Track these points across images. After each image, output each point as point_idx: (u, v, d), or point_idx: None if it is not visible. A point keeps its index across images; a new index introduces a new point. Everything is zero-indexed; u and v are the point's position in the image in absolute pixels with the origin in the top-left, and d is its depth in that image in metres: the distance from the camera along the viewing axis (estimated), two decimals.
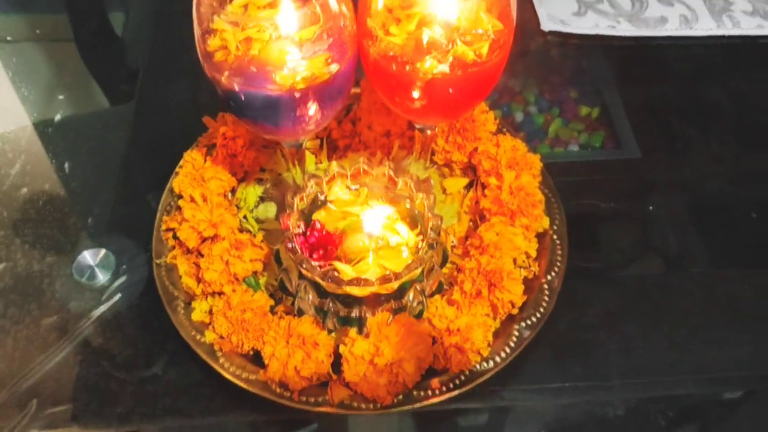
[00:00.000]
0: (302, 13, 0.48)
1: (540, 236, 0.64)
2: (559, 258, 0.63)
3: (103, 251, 0.66)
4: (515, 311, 0.59)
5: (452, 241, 0.65)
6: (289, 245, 0.54)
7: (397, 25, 0.51)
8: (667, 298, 0.64)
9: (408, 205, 0.59)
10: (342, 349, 0.55)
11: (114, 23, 0.95)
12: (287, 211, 0.56)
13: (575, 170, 0.76)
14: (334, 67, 0.50)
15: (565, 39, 0.84)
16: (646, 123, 0.79)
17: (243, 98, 0.51)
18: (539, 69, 0.86)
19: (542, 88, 0.83)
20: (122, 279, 0.64)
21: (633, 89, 0.82)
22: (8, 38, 0.90)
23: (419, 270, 0.54)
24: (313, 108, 0.52)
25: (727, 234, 0.70)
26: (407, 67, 0.50)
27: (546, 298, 0.61)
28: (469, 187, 0.69)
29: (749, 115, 0.80)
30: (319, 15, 0.49)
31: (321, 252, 0.56)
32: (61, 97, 0.80)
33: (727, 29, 0.82)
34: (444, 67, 0.50)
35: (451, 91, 0.52)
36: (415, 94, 0.52)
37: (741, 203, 0.72)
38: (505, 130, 0.71)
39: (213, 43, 0.50)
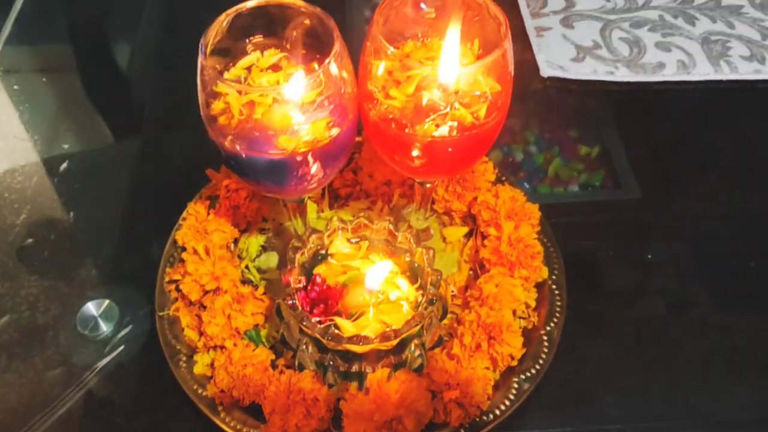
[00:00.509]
0: (306, 81, 0.49)
1: (539, 285, 0.65)
2: (558, 308, 0.64)
3: (106, 302, 0.66)
4: (515, 363, 0.60)
5: (452, 291, 0.66)
6: (290, 302, 0.54)
7: (397, 87, 0.52)
8: (666, 347, 0.65)
9: (408, 259, 0.60)
10: (342, 404, 0.55)
11: (119, 59, 0.96)
12: (288, 267, 0.57)
13: (575, 211, 0.77)
14: (335, 131, 0.51)
15: (564, 84, 0.85)
16: (646, 163, 0.80)
17: (246, 161, 0.51)
18: (539, 110, 0.87)
19: (542, 128, 0.84)
20: (125, 330, 0.65)
21: (632, 130, 0.83)
22: (14, 72, 0.92)
23: (419, 327, 0.54)
24: (314, 168, 0.53)
25: (727, 277, 0.70)
26: (407, 130, 0.51)
27: (545, 350, 0.61)
28: (469, 235, 0.69)
29: (748, 159, 0.80)
30: (322, 80, 0.50)
31: (322, 307, 0.56)
32: (66, 146, 0.81)
33: (725, 74, 0.83)
34: (443, 130, 0.51)
35: (449, 151, 0.53)
36: (415, 154, 0.53)
37: (740, 245, 0.72)
38: (504, 178, 0.72)
39: (216, 106, 0.51)
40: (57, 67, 0.96)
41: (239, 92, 0.49)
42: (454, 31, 0.51)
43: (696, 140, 0.82)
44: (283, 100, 0.50)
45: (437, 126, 0.51)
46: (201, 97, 0.51)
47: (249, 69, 0.55)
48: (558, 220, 0.71)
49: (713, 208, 0.76)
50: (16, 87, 0.89)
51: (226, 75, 0.54)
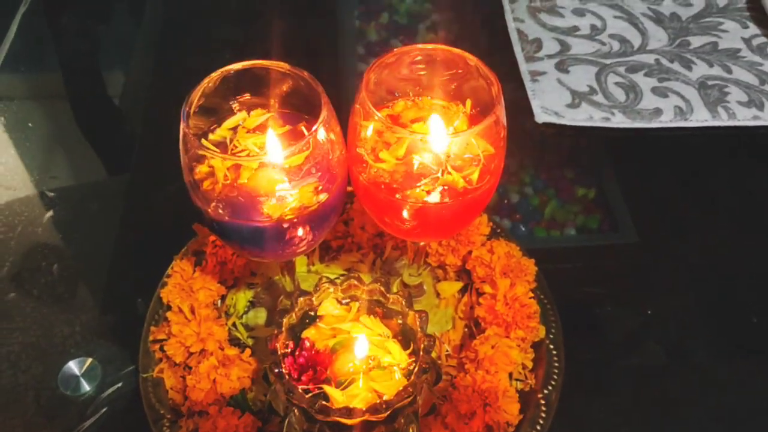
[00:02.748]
0: (291, 150, 0.47)
1: (536, 345, 0.63)
2: (555, 369, 0.62)
3: (89, 360, 0.64)
4: (512, 430, 0.58)
5: (447, 351, 0.64)
6: (276, 371, 0.52)
7: (387, 149, 0.50)
8: (667, 406, 0.63)
9: (400, 321, 0.58)
10: None
11: (110, 86, 0.95)
12: (275, 332, 0.55)
13: (572, 257, 0.75)
14: (324, 197, 0.49)
15: (559, 130, 0.84)
16: (643, 206, 0.79)
17: (230, 227, 0.50)
18: (534, 152, 0.85)
19: (538, 169, 0.83)
20: (108, 391, 0.63)
21: (629, 173, 0.82)
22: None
23: (411, 398, 0.52)
24: (303, 233, 0.51)
25: (728, 328, 0.68)
26: (397, 195, 0.50)
27: (543, 415, 0.59)
28: (464, 290, 0.68)
29: (747, 204, 0.79)
30: (310, 144, 0.48)
31: (310, 373, 0.54)
32: (51, 194, 0.79)
33: (723, 120, 0.82)
34: (434, 196, 0.49)
35: (441, 215, 0.52)
36: (406, 218, 0.52)
37: (741, 293, 0.71)
38: (499, 231, 0.70)
39: (201, 170, 0.49)
40: (47, 96, 0.95)
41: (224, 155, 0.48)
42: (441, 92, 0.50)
43: (694, 185, 0.81)
44: (270, 164, 0.48)
45: (428, 192, 0.50)
46: (184, 161, 0.50)
47: (235, 129, 0.53)
48: (554, 266, 0.69)
49: (711, 254, 0.75)
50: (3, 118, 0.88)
51: (211, 136, 0.52)
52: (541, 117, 0.83)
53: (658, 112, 0.83)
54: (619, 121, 0.82)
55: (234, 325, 0.65)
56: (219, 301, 0.66)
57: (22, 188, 0.80)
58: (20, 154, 0.84)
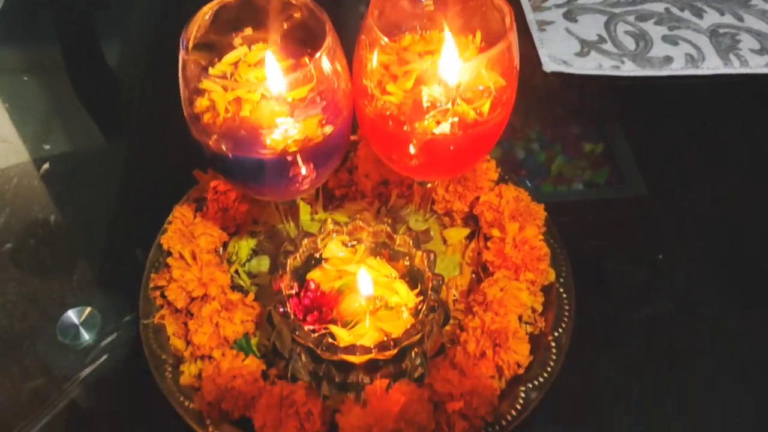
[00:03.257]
0: (294, 76, 0.46)
1: (546, 289, 0.62)
2: (566, 313, 0.61)
3: (88, 309, 0.63)
4: (521, 371, 0.56)
5: (454, 296, 0.63)
6: (281, 310, 0.51)
7: (394, 82, 0.49)
8: (678, 354, 0.62)
9: (407, 263, 0.57)
10: (338, 418, 0.52)
11: (108, 53, 0.93)
12: (279, 272, 0.53)
13: (580, 210, 0.74)
14: (329, 129, 0.48)
15: (567, 79, 0.82)
16: (651, 159, 0.77)
17: (232, 161, 0.48)
18: (541, 106, 0.84)
19: (544, 125, 0.81)
20: (108, 339, 0.62)
21: (637, 126, 0.80)
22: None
23: (419, 335, 0.51)
24: (306, 169, 0.50)
25: (738, 277, 0.67)
26: (405, 127, 0.48)
27: (553, 357, 0.58)
28: (471, 237, 0.66)
29: (758, 154, 0.77)
30: (313, 74, 0.46)
31: (315, 314, 0.53)
32: (47, 147, 0.77)
33: (735, 68, 0.80)
34: (444, 127, 0.48)
35: (451, 149, 0.50)
36: (414, 153, 0.50)
37: (751, 242, 0.70)
38: (507, 177, 0.69)
39: (200, 103, 0.48)
40: (43, 66, 0.92)
41: (225, 88, 0.46)
42: (453, 20, 0.48)
43: (703, 135, 0.79)
44: (272, 97, 0.47)
45: (438, 123, 0.48)
46: (183, 94, 0.48)
47: (236, 65, 0.51)
48: (562, 219, 0.68)
49: (721, 204, 0.73)
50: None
51: (211, 70, 0.50)
52: (549, 66, 0.81)
53: (668, 60, 0.81)
54: (629, 69, 0.80)
55: (237, 272, 0.64)
56: (221, 249, 0.64)
57: (18, 141, 0.78)
58: (18, 120, 0.81)
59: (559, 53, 0.82)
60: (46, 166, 0.75)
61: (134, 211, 0.72)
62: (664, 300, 0.66)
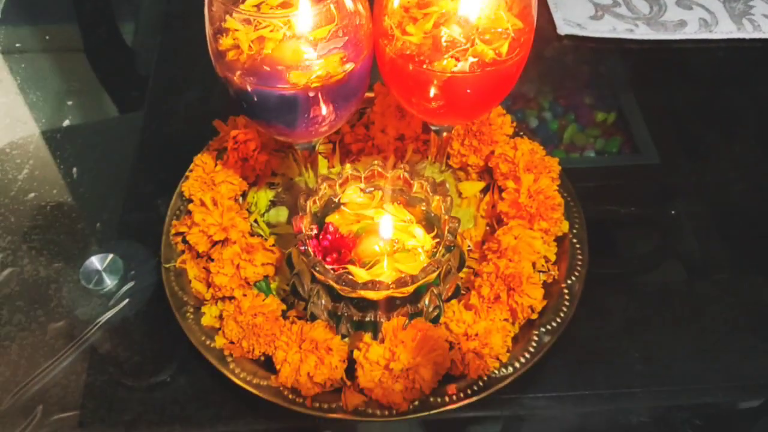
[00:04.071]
0: (317, 11, 0.47)
1: (559, 240, 0.63)
2: (579, 262, 0.62)
3: (110, 256, 0.64)
4: (535, 316, 0.58)
5: (468, 246, 0.64)
6: (302, 248, 0.52)
7: (414, 24, 0.50)
8: (690, 305, 0.63)
9: (424, 208, 0.58)
10: (356, 354, 0.53)
11: (124, 31, 0.94)
12: (300, 214, 0.54)
13: (592, 176, 0.74)
14: (349, 66, 0.49)
15: (581, 43, 0.83)
16: (664, 127, 0.77)
17: (256, 98, 0.49)
18: (554, 74, 0.84)
19: (557, 93, 0.82)
20: (130, 284, 0.63)
21: (650, 93, 0.81)
22: (18, 47, 0.89)
23: (436, 273, 0.52)
24: (326, 108, 0.51)
25: (749, 239, 0.68)
26: (424, 66, 0.49)
27: (566, 303, 0.59)
28: (485, 191, 0.67)
29: None
30: (334, 14, 0.47)
31: (334, 255, 0.54)
32: (70, 102, 0.79)
33: (748, 32, 0.81)
34: (463, 66, 0.49)
35: (469, 91, 0.51)
36: (433, 93, 0.51)
37: (763, 208, 0.70)
38: (522, 133, 0.70)
39: (225, 42, 0.49)
40: (61, 37, 0.94)
41: (248, 22, 0.47)
42: None
43: (717, 102, 0.80)
44: (294, 35, 0.48)
45: (457, 62, 0.49)
46: (208, 31, 0.49)
47: (258, 7, 0.52)
48: (575, 184, 0.68)
49: (734, 171, 0.74)
50: (18, 45, 0.87)
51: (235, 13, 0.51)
52: (563, 29, 0.82)
53: (682, 24, 0.82)
54: (643, 32, 0.81)
55: (256, 222, 0.65)
56: (240, 198, 0.65)
57: (42, 98, 0.80)
58: (41, 71, 0.83)
59: (573, 16, 0.82)
60: (67, 121, 0.76)
61: (155, 162, 0.73)
62: (677, 259, 0.67)
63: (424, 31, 0.50)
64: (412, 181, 0.57)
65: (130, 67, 0.90)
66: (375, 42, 0.51)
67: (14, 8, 0.93)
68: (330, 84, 0.49)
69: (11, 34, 0.90)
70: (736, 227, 0.69)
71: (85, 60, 0.89)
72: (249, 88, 0.49)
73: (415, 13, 0.50)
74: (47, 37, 0.90)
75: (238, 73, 0.49)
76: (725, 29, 0.81)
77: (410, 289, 0.51)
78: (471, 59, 0.49)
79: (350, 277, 0.51)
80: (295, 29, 0.48)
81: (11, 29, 0.91)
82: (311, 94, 0.49)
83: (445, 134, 0.61)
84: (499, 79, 0.51)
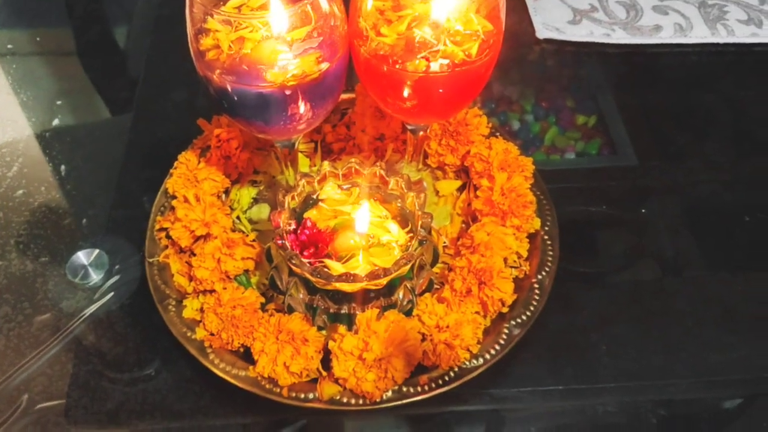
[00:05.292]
0: (293, 12, 0.49)
1: (531, 237, 0.65)
2: (550, 259, 0.63)
3: (96, 251, 0.66)
4: (505, 309, 0.59)
5: (444, 242, 0.65)
6: (280, 242, 0.54)
7: (388, 26, 0.52)
8: (659, 301, 0.64)
9: (399, 204, 0.60)
10: (331, 345, 0.55)
11: (116, 34, 0.96)
12: (278, 209, 0.56)
13: (571, 177, 0.76)
14: (325, 66, 0.51)
15: (560, 47, 0.85)
16: (642, 130, 0.79)
17: (235, 96, 0.51)
18: (535, 77, 0.86)
19: (538, 96, 0.84)
20: (115, 278, 0.65)
21: (629, 97, 0.83)
22: (10, 48, 0.91)
23: (408, 266, 0.54)
24: (303, 106, 0.53)
25: (720, 237, 0.70)
26: (397, 66, 0.51)
27: (536, 297, 0.61)
28: (462, 189, 0.69)
29: (743, 122, 0.80)
30: (311, 15, 0.49)
31: (312, 249, 0.56)
32: (59, 102, 0.81)
33: (722, 37, 0.83)
34: (434, 66, 0.51)
35: (441, 90, 0.53)
36: (406, 93, 0.53)
37: (734, 207, 0.72)
38: (497, 134, 0.71)
39: (206, 42, 0.51)
40: (52, 39, 0.95)
41: (228, 23, 0.49)
42: None
43: (692, 104, 0.82)
44: (272, 36, 0.50)
45: (428, 62, 0.51)
46: (190, 31, 0.51)
47: (239, 9, 0.54)
48: (553, 185, 0.70)
49: (708, 171, 0.76)
50: (10, 47, 0.88)
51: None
52: (542, 33, 0.84)
53: (658, 28, 0.84)
54: (620, 37, 0.83)
55: (238, 218, 0.67)
56: (223, 195, 0.67)
57: (33, 98, 0.81)
58: (31, 72, 0.85)
59: (552, 21, 0.85)
60: (56, 121, 0.78)
61: (141, 161, 0.75)
62: (648, 256, 0.69)
63: (398, 33, 0.52)
64: (388, 179, 0.59)
65: (121, 68, 0.91)
66: (350, 43, 0.53)
67: (7, 11, 0.95)
68: (306, 83, 0.51)
69: (4, 36, 0.92)
70: (706, 226, 0.71)
71: (76, 62, 0.91)
72: (228, 87, 0.51)
73: (390, 15, 0.52)
74: (38, 39, 0.92)
75: (218, 72, 0.51)
76: (700, 34, 0.83)
77: (383, 281, 0.53)
78: (442, 60, 0.51)
79: (326, 270, 0.53)
80: (273, 29, 0.50)
81: (4, 32, 0.93)
82: (288, 93, 0.51)
83: (421, 133, 0.63)
84: (469, 79, 0.53)
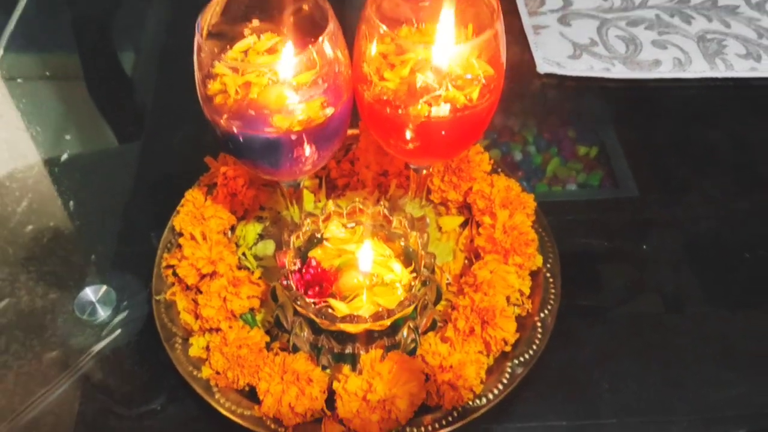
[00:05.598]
0: (299, 59, 0.50)
1: (533, 274, 0.65)
2: (552, 296, 0.64)
3: (104, 288, 0.67)
4: (508, 348, 0.60)
5: (447, 279, 0.66)
6: (285, 282, 0.55)
7: (391, 70, 0.53)
8: (660, 337, 0.65)
9: (402, 243, 0.60)
10: (336, 385, 0.56)
11: (124, 63, 0.97)
12: (284, 249, 0.57)
13: (573, 209, 0.77)
14: (330, 111, 0.52)
15: (561, 81, 0.86)
16: (643, 162, 0.80)
17: (241, 140, 0.52)
18: (537, 109, 0.87)
19: (541, 128, 0.85)
20: (122, 315, 0.66)
21: (630, 129, 0.84)
22: (19, 79, 0.92)
23: (412, 307, 0.55)
24: (309, 149, 0.54)
25: (721, 273, 0.70)
26: (400, 111, 0.52)
27: (539, 336, 0.61)
28: (464, 225, 0.70)
29: (743, 156, 0.81)
30: (316, 61, 0.51)
31: (316, 289, 0.57)
32: (68, 137, 0.82)
33: (720, 72, 0.84)
34: (436, 111, 0.52)
35: (443, 133, 0.54)
36: (409, 136, 0.54)
37: (734, 243, 0.73)
38: (499, 170, 0.72)
39: (213, 87, 0.52)
40: (60, 69, 0.97)
41: (235, 70, 0.50)
42: (447, 13, 0.52)
43: (692, 138, 0.83)
44: (278, 80, 0.51)
45: (430, 107, 0.52)
46: (197, 76, 0.52)
47: (246, 53, 0.56)
48: (555, 217, 0.71)
49: (709, 206, 0.76)
50: (20, 88, 0.90)
51: (223, 57, 0.55)
52: (543, 67, 0.85)
53: (657, 63, 0.85)
54: (619, 71, 0.84)
55: (244, 254, 0.68)
56: (229, 232, 0.68)
57: (40, 133, 0.83)
58: (38, 121, 0.86)
59: (552, 55, 0.86)
60: (65, 156, 0.79)
61: (149, 197, 0.76)
62: (649, 291, 0.69)
63: (401, 77, 0.53)
64: (391, 218, 0.60)
65: (129, 98, 0.93)
66: (354, 87, 0.55)
67: (18, 39, 0.97)
68: (311, 127, 0.52)
69: (14, 63, 0.93)
70: (707, 261, 0.71)
71: (85, 91, 0.92)
72: (235, 131, 0.52)
73: (393, 60, 0.53)
74: (47, 73, 0.93)
75: (225, 116, 0.52)
76: (699, 68, 0.84)
77: (387, 322, 0.54)
78: (444, 104, 0.52)
79: (330, 311, 0.54)
80: (279, 74, 0.51)
81: (14, 57, 0.94)
82: (294, 137, 0.52)
83: (424, 172, 0.64)
84: (470, 123, 0.54)
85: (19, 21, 0.98)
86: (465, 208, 0.71)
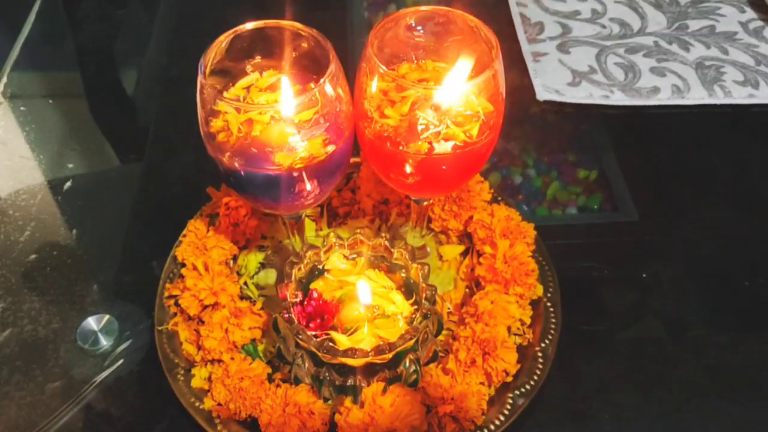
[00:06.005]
0: (301, 99, 0.51)
1: (534, 303, 0.66)
2: (553, 326, 0.64)
3: (106, 317, 0.67)
4: (509, 379, 0.60)
5: (448, 308, 0.67)
6: (286, 315, 0.55)
7: (392, 107, 0.53)
8: (660, 367, 0.65)
9: (404, 275, 0.61)
10: (337, 418, 0.56)
11: (126, 83, 0.98)
12: (285, 281, 0.58)
13: (573, 233, 0.77)
14: (331, 148, 0.52)
15: (560, 108, 0.86)
16: (643, 186, 0.81)
17: (244, 177, 0.53)
18: (537, 134, 0.88)
19: (540, 152, 0.86)
20: (125, 345, 0.66)
21: (630, 154, 0.84)
22: (22, 106, 0.93)
23: (413, 341, 0.55)
24: (310, 185, 0.54)
25: (722, 299, 0.71)
26: (401, 147, 0.53)
27: (540, 366, 0.62)
28: (465, 254, 0.70)
29: (742, 181, 0.81)
30: (318, 98, 0.51)
31: (318, 321, 0.57)
32: (71, 165, 0.83)
33: (719, 98, 0.85)
34: (436, 148, 0.52)
35: (443, 168, 0.54)
36: (409, 171, 0.55)
37: (734, 268, 0.73)
38: (500, 199, 0.73)
39: (216, 124, 0.53)
40: (64, 92, 0.98)
41: (237, 110, 0.51)
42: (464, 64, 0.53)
43: (691, 164, 0.83)
44: (281, 118, 0.51)
45: (430, 144, 0.52)
46: (200, 114, 0.53)
47: (248, 89, 0.56)
48: (555, 242, 0.72)
49: (708, 231, 0.77)
50: (23, 108, 0.91)
51: (225, 94, 0.55)
52: (542, 95, 0.86)
53: (655, 90, 0.86)
54: (618, 98, 0.85)
55: (245, 284, 0.68)
56: (231, 261, 0.68)
57: (43, 161, 0.83)
58: (41, 142, 0.87)
59: (552, 83, 0.86)
60: (68, 184, 0.80)
61: (151, 225, 0.76)
62: (650, 318, 0.70)
63: (401, 114, 0.53)
64: (392, 249, 0.61)
65: (131, 119, 0.94)
66: (355, 123, 0.55)
67: (22, 62, 0.98)
68: (313, 164, 0.52)
69: (18, 85, 0.94)
70: (707, 287, 0.72)
71: (88, 115, 0.92)
72: (237, 168, 0.52)
73: (393, 96, 0.54)
74: (50, 90, 0.94)
75: (228, 154, 0.52)
76: (697, 95, 0.85)
77: (388, 356, 0.54)
78: (444, 141, 0.53)
79: (331, 344, 0.54)
80: (281, 112, 0.52)
81: (17, 77, 0.95)
82: (295, 174, 0.52)
83: (425, 203, 0.65)
84: (470, 159, 0.55)
85: (24, 46, 0.98)
86: (465, 236, 0.71)
